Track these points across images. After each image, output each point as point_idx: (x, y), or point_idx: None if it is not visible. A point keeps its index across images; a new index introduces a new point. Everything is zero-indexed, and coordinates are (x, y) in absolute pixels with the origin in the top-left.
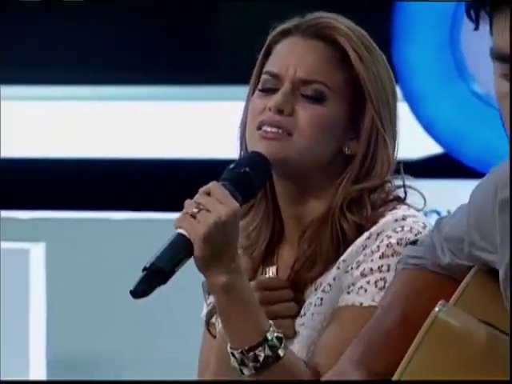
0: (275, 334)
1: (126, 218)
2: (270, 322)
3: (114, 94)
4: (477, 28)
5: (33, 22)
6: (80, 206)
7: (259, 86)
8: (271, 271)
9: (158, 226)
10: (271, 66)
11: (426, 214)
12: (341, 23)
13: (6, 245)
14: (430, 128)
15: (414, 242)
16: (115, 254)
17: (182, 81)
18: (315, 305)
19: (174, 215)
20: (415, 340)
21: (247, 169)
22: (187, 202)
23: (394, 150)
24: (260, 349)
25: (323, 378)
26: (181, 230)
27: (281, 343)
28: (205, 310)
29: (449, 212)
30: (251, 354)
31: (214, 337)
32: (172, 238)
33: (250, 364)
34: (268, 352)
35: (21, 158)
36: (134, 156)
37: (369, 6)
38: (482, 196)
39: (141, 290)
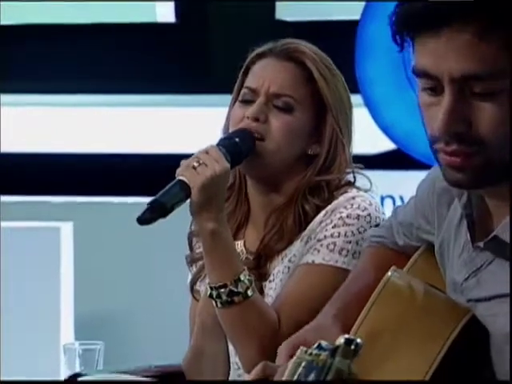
0: (247, 277)
1: (137, 201)
2: (244, 266)
3: (119, 102)
4: (401, 50)
5: (38, 44)
6: (100, 192)
7: (239, 98)
8: (240, 244)
9: None
10: (249, 82)
11: (382, 199)
12: (307, 48)
13: (41, 224)
14: (386, 129)
15: (376, 225)
16: (129, 230)
17: (172, 90)
18: (283, 272)
19: None
20: (371, 297)
21: (237, 139)
22: (190, 158)
23: (350, 152)
24: (233, 286)
25: (295, 335)
26: (182, 178)
27: (251, 284)
28: (189, 278)
29: (401, 197)
30: (226, 289)
31: (197, 300)
32: (174, 182)
33: (224, 298)
34: (240, 289)
35: (45, 153)
36: (141, 151)
37: (337, 32)
38: (425, 188)
39: (145, 219)
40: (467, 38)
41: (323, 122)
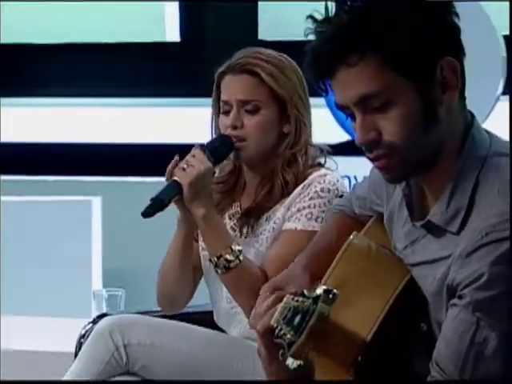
0: (237, 246)
1: (153, 180)
2: (233, 238)
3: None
4: (327, 94)
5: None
6: (124, 172)
7: (221, 111)
8: (236, 204)
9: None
10: (223, 96)
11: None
12: (256, 58)
13: (76, 198)
14: (342, 124)
15: (340, 196)
16: (147, 202)
17: (175, 94)
18: (269, 231)
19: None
20: (337, 255)
21: (217, 143)
22: (181, 161)
23: (310, 128)
24: (227, 255)
25: (274, 279)
26: (175, 178)
27: (240, 252)
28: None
29: (355, 177)
30: (222, 258)
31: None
32: (169, 182)
33: (221, 266)
34: (232, 257)
35: (81, 143)
36: (155, 142)
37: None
38: (377, 171)
39: (147, 213)
40: (352, 68)
41: (287, 109)
